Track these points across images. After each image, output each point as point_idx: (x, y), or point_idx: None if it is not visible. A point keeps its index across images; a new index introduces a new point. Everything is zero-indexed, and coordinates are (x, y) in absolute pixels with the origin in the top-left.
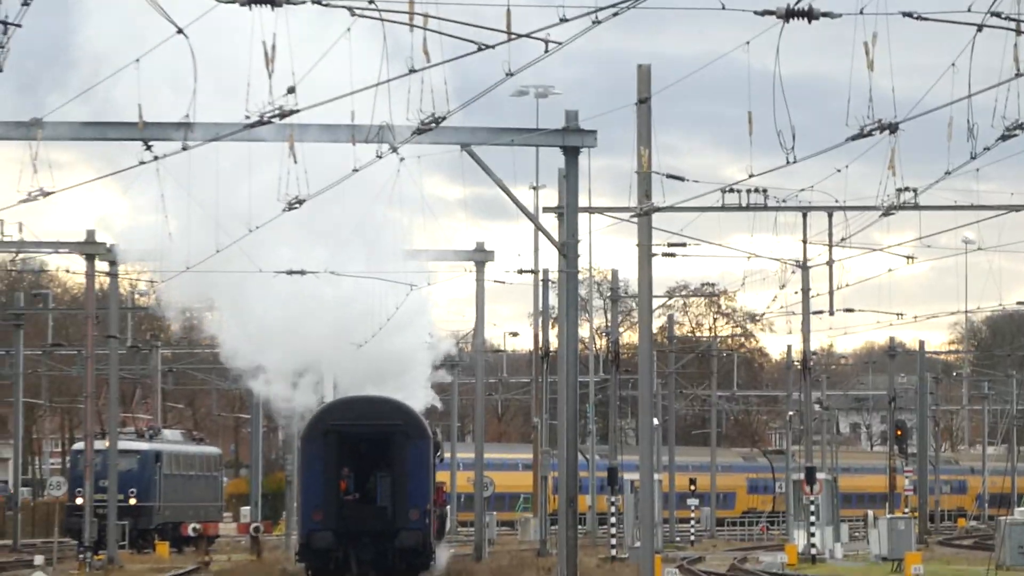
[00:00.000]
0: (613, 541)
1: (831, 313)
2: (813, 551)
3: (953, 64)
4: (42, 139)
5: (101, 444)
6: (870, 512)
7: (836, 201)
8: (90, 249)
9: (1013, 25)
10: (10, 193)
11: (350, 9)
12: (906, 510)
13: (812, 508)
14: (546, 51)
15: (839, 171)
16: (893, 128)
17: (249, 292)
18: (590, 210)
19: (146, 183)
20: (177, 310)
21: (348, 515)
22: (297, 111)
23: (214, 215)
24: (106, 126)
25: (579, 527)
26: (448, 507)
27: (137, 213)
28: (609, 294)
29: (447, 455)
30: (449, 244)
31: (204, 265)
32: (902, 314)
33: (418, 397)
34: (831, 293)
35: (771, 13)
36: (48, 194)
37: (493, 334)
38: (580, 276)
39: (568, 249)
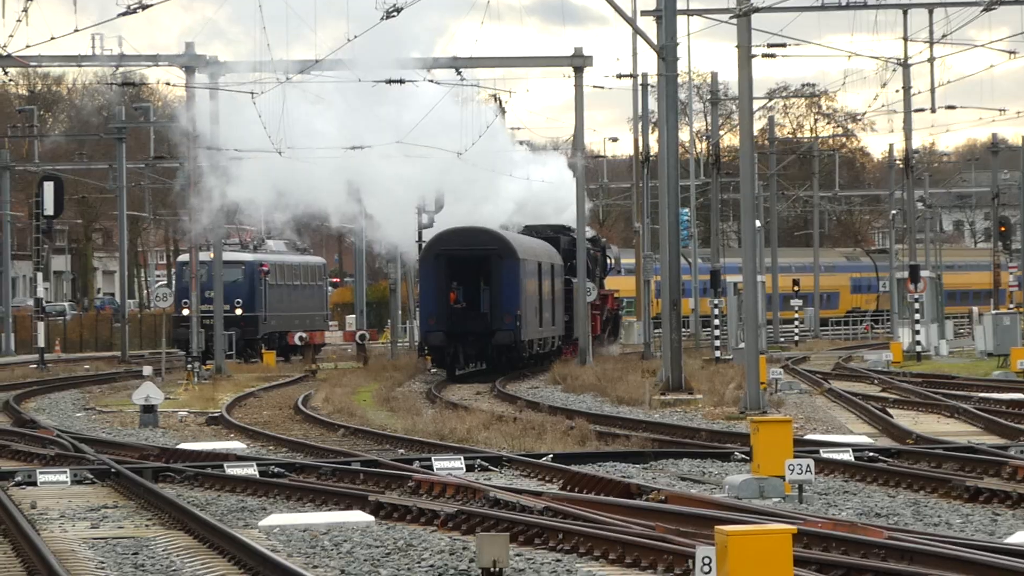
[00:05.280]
0: (717, 343)
1: (933, 111)
2: (918, 348)
3: None
4: None
5: (206, 255)
6: (975, 308)
7: None
8: (190, 61)
9: None
10: (109, 7)
11: None
12: (1011, 306)
13: (916, 306)
14: None
15: None
16: None
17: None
18: (688, 12)
19: None
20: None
21: (456, 319)
22: None
23: (312, 25)
24: None
25: (682, 330)
26: (619, 311)
27: (234, 24)
28: (709, 97)
29: None
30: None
31: (300, 76)
32: (1004, 110)
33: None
34: (932, 90)
35: None
36: (147, 7)
37: (592, 140)
38: (679, 79)
39: (667, 52)
